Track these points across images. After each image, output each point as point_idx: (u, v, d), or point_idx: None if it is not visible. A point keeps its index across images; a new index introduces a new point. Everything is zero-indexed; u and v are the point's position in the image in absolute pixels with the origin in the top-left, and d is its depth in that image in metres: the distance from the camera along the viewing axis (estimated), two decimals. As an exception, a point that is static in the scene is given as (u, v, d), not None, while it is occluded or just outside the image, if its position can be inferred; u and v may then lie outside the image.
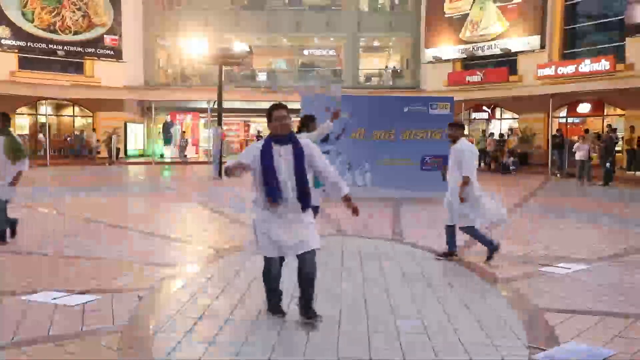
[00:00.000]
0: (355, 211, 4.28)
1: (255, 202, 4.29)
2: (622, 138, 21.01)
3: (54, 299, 4.78)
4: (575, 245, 7.64)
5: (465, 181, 6.26)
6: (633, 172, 19.55)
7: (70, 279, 5.51)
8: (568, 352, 3.78)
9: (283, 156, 4.14)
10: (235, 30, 28.71)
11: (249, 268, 5.97)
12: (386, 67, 33.10)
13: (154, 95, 28.22)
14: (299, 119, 6.97)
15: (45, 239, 7.58)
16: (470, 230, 6.45)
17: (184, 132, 27.69)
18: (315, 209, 7.57)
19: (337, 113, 6.89)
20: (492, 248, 6.38)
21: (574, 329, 4.24)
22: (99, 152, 25.60)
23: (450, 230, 6.56)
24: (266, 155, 4.13)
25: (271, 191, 4.09)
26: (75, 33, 26.80)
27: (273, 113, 4.21)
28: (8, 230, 7.22)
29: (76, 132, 27.71)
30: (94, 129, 26.67)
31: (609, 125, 20.42)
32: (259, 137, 29.57)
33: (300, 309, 4.28)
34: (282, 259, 4.48)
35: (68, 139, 27.58)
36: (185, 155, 26.85)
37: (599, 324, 4.36)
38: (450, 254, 6.58)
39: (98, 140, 26.30)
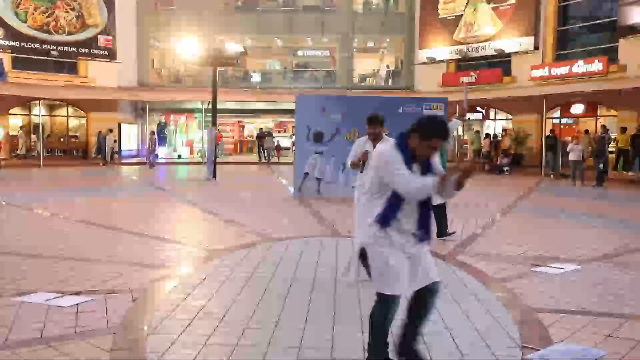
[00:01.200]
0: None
1: (378, 222, 3.32)
2: (615, 139, 21.10)
3: (47, 300, 4.76)
4: (568, 245, 7.67)
5: None
6: (626, 173, 19.65)
7: (63, 280, 5.49)
8: (561, 352, 3.79)
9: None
10: (228, 31, 28.71)
11: (242, 269, 5.98)
12: (378, 70, 33.13)
13: (147, 95, 28.14)
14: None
15: (37, 240, 7.56)
16: None
17: (152, 132, 25.03)
18: (442, 206, 7.41)
19: (463, 113, 8.35)
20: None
21: (567, 329, 4.26)
22: (118, 153, 25.07)
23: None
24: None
25: (397, 207, 3.30)
26: (69, 33, 26.67)
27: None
28: None
29: (70, 133, 27.51)
30: (110, 130, 25.82)
31: (603, 126, 20.51)
32: (262, 135, 29.30)
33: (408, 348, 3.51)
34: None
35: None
36: (154, 159, 23.83)
37: (591, 324, 4.38)
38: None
39: (115, 141, 25.81)
